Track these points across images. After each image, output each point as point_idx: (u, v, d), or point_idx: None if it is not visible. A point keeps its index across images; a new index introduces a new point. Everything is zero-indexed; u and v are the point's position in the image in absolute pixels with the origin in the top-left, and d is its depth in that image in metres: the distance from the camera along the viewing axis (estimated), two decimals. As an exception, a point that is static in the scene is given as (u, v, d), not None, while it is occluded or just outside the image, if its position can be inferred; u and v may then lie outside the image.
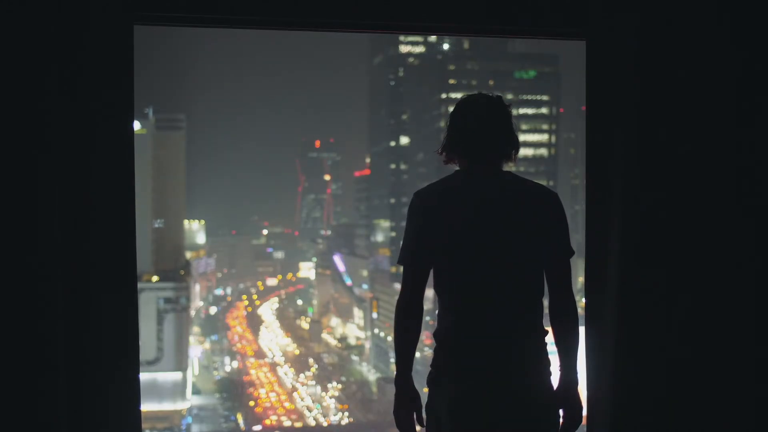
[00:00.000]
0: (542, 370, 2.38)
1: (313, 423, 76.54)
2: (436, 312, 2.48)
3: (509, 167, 2.50)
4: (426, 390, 2.48)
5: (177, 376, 70.54)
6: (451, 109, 2.53)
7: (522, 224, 2.38)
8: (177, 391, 70.05)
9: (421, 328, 2.41)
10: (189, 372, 75.29)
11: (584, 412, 2.44)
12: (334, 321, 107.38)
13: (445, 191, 2.42)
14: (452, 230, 2.36)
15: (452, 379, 2.34)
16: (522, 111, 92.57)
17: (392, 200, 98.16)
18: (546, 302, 2.44)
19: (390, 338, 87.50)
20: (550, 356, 2.41)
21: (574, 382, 2.41)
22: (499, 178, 2.44)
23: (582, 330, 2.86)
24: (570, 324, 2.44)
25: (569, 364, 2.41)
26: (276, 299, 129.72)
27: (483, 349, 2.33)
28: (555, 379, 2.41)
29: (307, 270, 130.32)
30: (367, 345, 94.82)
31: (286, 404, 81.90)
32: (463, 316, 2.36)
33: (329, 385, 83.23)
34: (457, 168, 2.50)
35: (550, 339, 2.42)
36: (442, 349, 2.40)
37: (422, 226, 2.38)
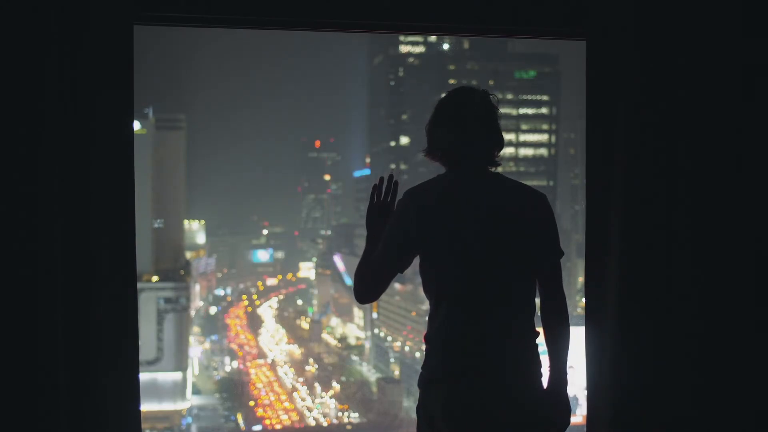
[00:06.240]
0: (534, 372, 2.38)
1: (313, 423, 76.50)
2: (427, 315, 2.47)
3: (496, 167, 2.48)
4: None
5: (177, 376, 70.48)
6: None
7: (512, 225, 2.37)
8: (177, 391, 69.98)
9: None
10: (189, 372, 75.21)
11: (572, 412, 2.44)
12: (334, 321, 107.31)
13: (438, 192, 2.39)
14: (444, 232, 2.34)
15: (445, 381, 2.34)
16: (522, 111, 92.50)
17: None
18: (537, 303, 2.44)
19: (390, 338, 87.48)
20: (541, 357, 2.40)
21: (563, 383, 2.41)
22: (489, 179, 2.44)
23: (582, 330, 2.86)
24: (560, 325, 2.44)
25: (559, 365, 2.41)
26: (276, 299, 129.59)
27: (475, 351, 2.32)
28: (545, 380, 2.42)
29: (307, 270, 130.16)
30: (367, 345, 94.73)
31: (286, 404, 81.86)
32: (455, 317, 2.35)
33: (329, 385, 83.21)
34: (440, 165, 2.49)
35: (541, 340, 2.42)
36: (434, 351, 2.39)
37: (411, 226, 2.36)
